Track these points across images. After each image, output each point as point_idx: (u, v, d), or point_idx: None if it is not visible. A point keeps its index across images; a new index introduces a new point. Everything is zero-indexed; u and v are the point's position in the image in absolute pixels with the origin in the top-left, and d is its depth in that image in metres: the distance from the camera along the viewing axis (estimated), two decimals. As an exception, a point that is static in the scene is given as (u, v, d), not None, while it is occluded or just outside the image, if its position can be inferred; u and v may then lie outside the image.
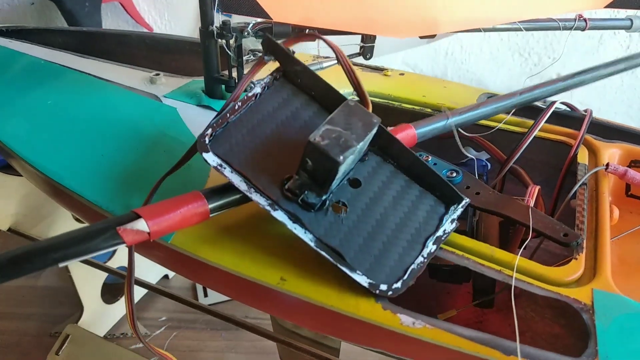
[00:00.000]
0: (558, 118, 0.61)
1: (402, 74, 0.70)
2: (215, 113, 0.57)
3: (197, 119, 0.55)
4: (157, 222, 0.34)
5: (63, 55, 0.69)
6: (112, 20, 1.32)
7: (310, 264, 0.39)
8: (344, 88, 0.63)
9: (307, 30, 0.55)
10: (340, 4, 0.55)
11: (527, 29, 0.61)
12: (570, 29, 0.62)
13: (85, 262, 0.73)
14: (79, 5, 1.17)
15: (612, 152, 0.55)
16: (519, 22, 0.60)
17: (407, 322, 0.35)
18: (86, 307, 0.90)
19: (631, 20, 0.62)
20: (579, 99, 1.52)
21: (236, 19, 0.56)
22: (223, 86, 0.59)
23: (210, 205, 0.37)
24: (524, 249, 0.50)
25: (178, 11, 1.33)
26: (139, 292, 0.99)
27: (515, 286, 0.38)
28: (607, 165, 0.50)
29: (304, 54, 0.73)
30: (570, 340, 0.43)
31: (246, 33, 0.54)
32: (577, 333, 0.37)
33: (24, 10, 1.33)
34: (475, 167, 0.62)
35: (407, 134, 0.48)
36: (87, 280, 0.89)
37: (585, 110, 0.61)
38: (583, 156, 0.54)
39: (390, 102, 0.62)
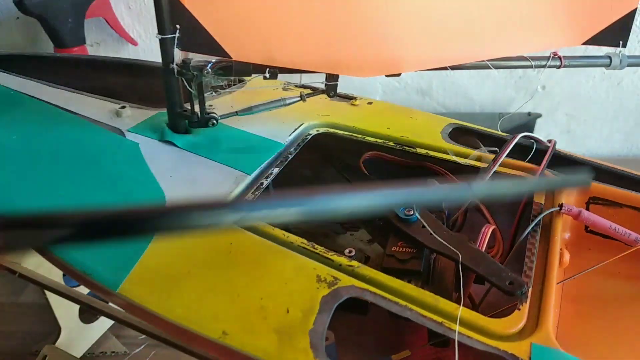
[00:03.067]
0: (523, 151, 0.61)
1: (370, 103, 0.71)
2: (176, 149, 0.57)
3: (158, 156, 0.56)
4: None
5: (31, 83, 0.69)
6: (96, 34, 1.33)
7: (253, 316, 0.39)
8: (309, 120, 0.63)
9: (268, 70, 0.55)
10: (302, 44, 0.55)
11: (496, 67, 0.61)
12: (543, 66, 0.62)
13: (59, 292, 0.74)
14: (61, 21, 1.17)
15: (569, 189, 0.55)
16: (488, 60, 0.60)
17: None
18: (63, 327, 0.91)
19: (610, 57, 0.62)
20: (566, 110, 1.52)
21: (198, 56, 0.56)
22: (187, 121, 0.59)
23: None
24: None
25: (162, 25, 1.33)
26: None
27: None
28: (561, 205, 0.51)
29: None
30: None
31: (206, 72, 0.54)
32: None
33: (9, 24, 1.33)
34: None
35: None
36: (65, 302, 0.89)
37: (550, 141, 0.61)
38: (540, 194, 0.54)
39: (354, 134, 0.63)
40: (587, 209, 0.56)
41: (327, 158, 0.64)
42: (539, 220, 0.50)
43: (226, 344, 0.38)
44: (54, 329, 0.95)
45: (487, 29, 0.59)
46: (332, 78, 0.58)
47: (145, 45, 1.35)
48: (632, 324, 0.47)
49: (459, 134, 0.66)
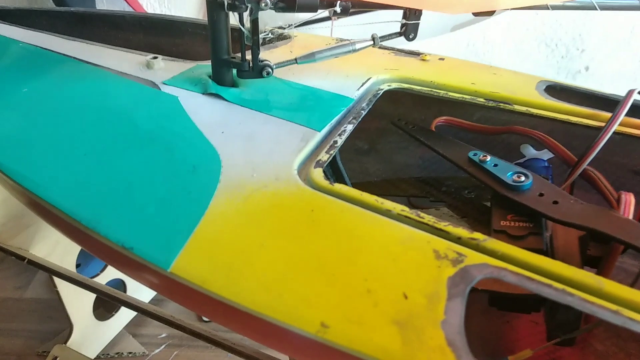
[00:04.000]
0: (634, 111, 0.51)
1: (442, 59, 0.60)
2: (225, 102, 0.47)
3: (203, 110, 0.45)
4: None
5: (47, 37, 0.59)
6: (107, 5, 1.22)
7: (358, 302, 0.29)
8: (376, 74, 0.53)
9: (339, 3, 0.45)
10: (379, -30, 0.45)
11: (602, 8, 0.50)
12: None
13: (73, 280, 0.63)
14: (71, -11, 1.07)
15: None
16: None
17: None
18: (76, 325, 0.80)
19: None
20: (609, 92, 1.42)
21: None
22: (234, 71, 0.48)
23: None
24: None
25: (179, -3, 1.23)
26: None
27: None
28: None
29: (324, 37, 0.63)
30: None
31: (264, 4, 0.43)
32: None
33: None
34: (535, 169, 0.52)
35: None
36: (77, 295, 0.78)
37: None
38: None
39: (434, 90, 0.52)
40: None
41: (394, 119, 0.53)
42: None
43: (327, 340, 0.27)
44: (64, 327, 0.85)
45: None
46: (413, 16, 0.48)
47: (160, 19, 1.24)
48: None
49: (555, 92, 0.55)
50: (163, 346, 0.90)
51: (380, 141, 0.63)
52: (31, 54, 0.55)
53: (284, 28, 0.49)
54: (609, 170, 0.49)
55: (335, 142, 0.43)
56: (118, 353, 0.88)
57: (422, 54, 0.60)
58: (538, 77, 0.57)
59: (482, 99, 0.51)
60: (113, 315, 0.87)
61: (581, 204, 0.39)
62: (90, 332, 0.84)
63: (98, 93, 0.47)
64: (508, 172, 0.43)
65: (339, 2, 0.44)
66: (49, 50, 0.55)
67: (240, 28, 0.45)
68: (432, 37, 1.25)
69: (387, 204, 0.36)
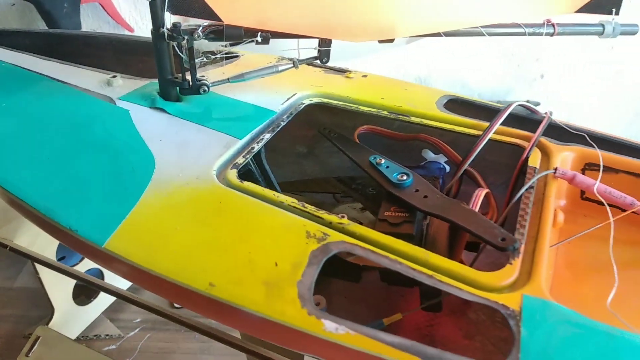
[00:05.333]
0: (519, 121, 0.61)
1: (364, 76, 0.70)
2: (168, 115, 0.57)
3: (148, 121, 0.55)
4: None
5: (26, 57, 0.69)
6: (92, 21, 1.32)
7: (241, 269, 0.39)
8: (302, 90, 0.63)
9: (260, 34, 0.55)
10: (295, 7, 0.54)
11: (490, 34, 0.60)
12: (538, 34, 0.61)
13: (51, 265, 0.73)
14: (57, 6, 1.17)
15: (565, 155, 0.54)
16: (482, 27, 0.59)
17: (330, 327, 0.35)
18: (57, 309, 0.90)
19: (603, 25, 0.62)
20: (566, 99, 1.52)
21: (189, 21, 0.56)
22: (178, 88, 0.58)
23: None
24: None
25: (159, 12, 1.33)
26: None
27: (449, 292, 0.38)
28: (556, 169, 0.50)
29: (268, 55, 0.72)
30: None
31: (197, 35, 0.53)
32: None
33: (5, 11, 1.33)
34: (432, 170, 0.62)
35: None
36: (58, 282, 0.88)
37: (547, 113, 0.61)
38: (535, 159, 0.53)
39: (348, 104, 0.62)
40: (583, 174, 0.56)
41: (320, 128, 0.63)
42: (533, 182, 0.49)
43: (213, 295, 0.37)
44: (48, 312, 0.95)
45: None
46: (324, 43, 0.58)
47: (141, 32, 1.34)
48: (625, 286, 0.46)
49: (454, 105, 0.65)
50: (137, 329, 1.00)
51: (317, 146, 0.73)
52: (11, 72, 0.65)
53: (215, 53, 0.58)
54: (488, 167, 0.59)
55: (253, 148, 0.53)
56: (96, 335, 0.98)
57: (347, 71, 0.70)
58: (443, 91, 0.67)
59: (386, 112, 0.61)
60: (92, 301, 0.97)
61: (443, 198, 0.49)
62: (71, 316, 0.93)
63: (63, 108, 0.57)
64: (394, 173, 0.53)
65: (259, 32, 0.54)
66: (26, 69, 0.65)
67: (179, 54, 0.55)
68: (392, 49, 1.35)
69: (282, 197, 0.46)
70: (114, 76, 0.62)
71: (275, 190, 0.61)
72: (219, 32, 0.54)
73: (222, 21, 0.54)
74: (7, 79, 0.63)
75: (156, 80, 0.63)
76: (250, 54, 0.73)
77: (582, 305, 0.44)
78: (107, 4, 1.27)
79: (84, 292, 0.97)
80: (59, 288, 0.90)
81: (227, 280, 0.38)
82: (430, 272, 0.39)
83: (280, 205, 0.45)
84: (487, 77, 1.46)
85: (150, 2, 0.53)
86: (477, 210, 0.47)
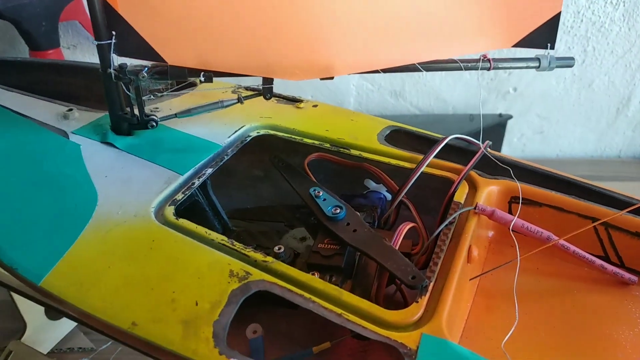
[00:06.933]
0: (460, 152, 0.63)
1: (315, 106, 0.73)
2: (116, 150, 0.60)
3: (97, 156, 0.58)
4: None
5: None
6: (72, 37, 1.35)
7: (163, 307, 0.42)
8: (251, 122, 0.66)
9: (203, 74, 0.58)
10: (235, 48, 0.57)
11: (427, 70, 0.63)
12: (474, 69, 0.64)
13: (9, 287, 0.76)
14: (35, 25, 1.19)
15: (491, 189, 0.57)
16: (419, 63, 0.62)
17: (243, 370, 0.38)
18: (29, 323, 0.93)
19: (539, 59, 0.64)
20: (538, 111, 1.54)
21: (135, 61, 0.59)
22: (128, 123, 0.61)
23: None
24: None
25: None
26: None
27: (352, 330, 0.41)
28: (476, 205, 0.53)
29: (226, 84, 0.75)
30: None
31: (142, 76, 0.56)
32: None
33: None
34: (372, 199, 0.65)
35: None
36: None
37: (485, 143, 0.63)
38: (462, 194, 0.56)
39: (293, 136, 0.65)
40: (509, 208, 0.59)
41: (271, 156, 0.66)
42: (453, 218, 0.52)
43: (134, 333, 0.40)
44: (21, 326, 0.98)
45: (418, 33, 0.61)
46: (267, 81, 0.61)
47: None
48: (540, 316, 0.49)
49: (397, 135, 0.68)
50: (110, 343, 1.02)
51: (273, 171, 0.76)
52: None
53: (162, 91, 0.61)
54: (426, 196, 0.61)
55: (194, 183, 0.56)
56: (69, 348, 1.01)
57: (299, 101, 0.73)
58: (387, 122, 0.70)
59: (328, 145, 0.64)
60: (63, 316, 1.00)
61: (369, 233, 0.52)
62: (43, 330, 0.96)
63: (16, 141, 0.60)
64: (329, 206, 0.56)
65: (202, 72, 0.57)
66: None
67: (126, 92, 0.58)
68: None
69: (213, 235, 0.49)
70: (70, 109, 0.65)
71: (222, 219, 0.64)
72: (163, 72, 0.57)
73: (166, 62, 0.57)
74: None
75: (110, 113, 0.66)
76: (207, 85, 0.75)
77: (485, 341, 0.47)
78: (86, 21, 1.30)
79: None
80: (30, 303, 0.93)
81: (149, 319, 0.41)
82: (339, 311, 0.42)
83: (210, 243, 0.48)
84: (461, 91, 1.49)
85: (97, 45, 0.56)
86: (398, 245, 0.50)
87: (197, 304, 0.42)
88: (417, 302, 0.43)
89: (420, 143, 0.67)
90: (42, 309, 0.96)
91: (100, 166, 0.56)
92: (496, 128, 1.47)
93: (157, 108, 0.66)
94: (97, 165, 0.57)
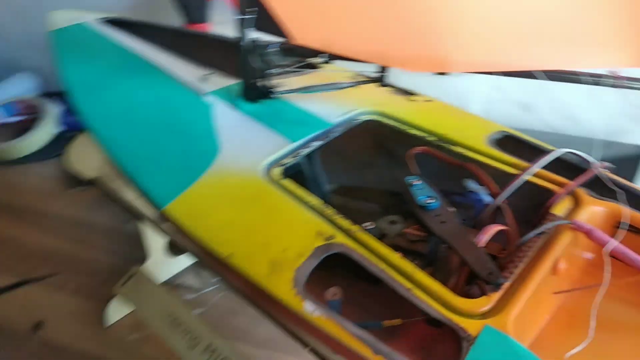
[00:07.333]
0: (571, 170, 0.61)
1: (428, 101, 0.75)
2: (240, 113, 0.67)
3: (224, 116, 0.67)
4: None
5: (145, 47, 0.83)
6: (220, 14, 1.49)
7: (257, 247, 0.48)
8: (364, 107, 0.70)
9: (323, 55, 0.63)
10: (358, 36, 0.62)
11: (550, 79, 0.61)
12: (595, 84, 0.61)
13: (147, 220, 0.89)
14: (192, 2, 1.35)
15: (596, 209, 0.55)
16: (541, 71, 0.61)
17: (308, 308, 0.43)
18: (151, 255, 1.08)
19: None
20: None
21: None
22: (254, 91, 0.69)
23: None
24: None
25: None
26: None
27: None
28: (573, 221, 0.51)
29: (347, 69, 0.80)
30: None
31: (271, 51, 0.63)
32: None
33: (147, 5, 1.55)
34: (471, 200, 0.65)
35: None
36: (154, 235, 1.06)
37: (601, 164, 0.60)
38: (564, 208, 0.55)
39: (400, 125, 0.68)
40: (614, 233, 0.55)
41: (376, 144, 0.70)
42: (545, 229, 0.51)
43: (230, 263, 0.47)
44: (144, 256, 1.13)
45: (544, 38, 0.59)
46: (382, 69, 0.64)
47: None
48: (613, 344, 0.47)
49: (508, 141, 0.67)
50: (214, 287, 1.14)
51: (377, 154, 0.79)
52: (133, 58, 0.80)
53: (286, 67, 0.68)
54: (520, 204, 0.60)
55: (302, 152, 0.61)
56: (179, 284, 1.15)
57: (413, 94, 0.75)
58: (501, 127, 0.69)
59: (432, 138, 0.66)
60: (180, 255, 1.14)
61: (458, 227, 0.53)
62: (161, 263, 1.11)
63: (162, 93, 0.71)
64: (422, 196, 0.58)
65: (324, 54, 0.63)
66: (143, 57, 0.80)
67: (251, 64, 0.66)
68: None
69: (310, 198, 0.54)
70: (210, 73, 0.75)
71: (323, 190, 0.70)
72: (290, 49, 0.64)
73: (293, 41, 0.63)
74: (128, 63, 0.78)
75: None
76: (331, 67, 0.81)
77: (554, 351, 0.46)
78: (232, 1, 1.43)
79: (175, 247, 1.14)
80: (154, 239, 1.07)
81: (244, 253, 0.48)
82: (409, 286, 0.45)
83: (306, 204, 0.53)
84: (600, 115, 1.38)
85: (236, 21, 0.64)
86: (483, 242, 0.51)
87: (284, 251, 0.48)
88: (489, 296, 0.44)
89: (532, 152, 0.65)
90: (163, 244, 1.11)
91: (225, 124, 0.65)
92: (633, 159, 1.34)
93: (280, 83, 0.73)
94: (223, 123, 0.65)
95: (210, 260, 0.51)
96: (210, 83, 0.74)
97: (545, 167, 0.59)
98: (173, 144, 0.61)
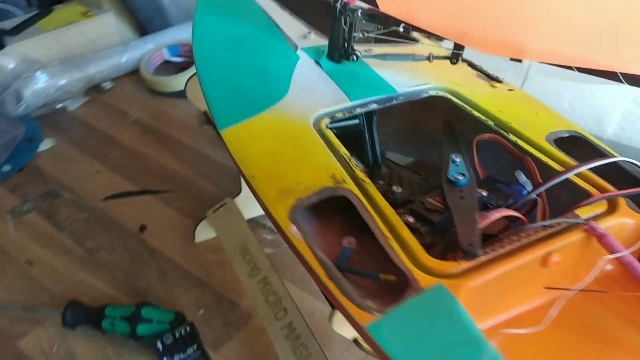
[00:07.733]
0: (631, 181, 0.57)
1: (510, 90, 0.73)
2: (320, 69, 0.74)
3: (305, 68, 0.74)
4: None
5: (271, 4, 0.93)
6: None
7: (275, 176, 0.55)
8: (437, 82, 0.71)
9: (403, 25, 0.66)
10: (438, 11, 0.64)
11: (630, 84, 0.57)
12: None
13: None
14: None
15: (628, 222, 0.51)
16: (623, 73, 0.57)
17: (292, 231, 0.49)
18: (243, 190, 1.21)
19: None
20: None
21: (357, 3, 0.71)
22: (337, 52, 0.75)
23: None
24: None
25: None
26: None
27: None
28: (587, 222, 0.49)
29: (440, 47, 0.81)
30: None
31: (357, 15, 0.68)
32: None
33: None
34: (514, 191, 0.65)
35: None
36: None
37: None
38: (592, 210, 0.52)
39: (463, 105, 0.68)
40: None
41: (437, 120, 0.71)
42: (550, 222, 0.50)
43: (252, 184, 0.55)
44: (238, 190, 1.27)
45: (630, 38, 0.56)
46: (459, 46, 0.65)
47: None
48: (578, 346, 0.45)
49: (573, 141, 0.64)
50: (274, 236, 1.23)
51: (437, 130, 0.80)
52: (258, 13, 0.90)
53: (369, 32, 0.71)
54: (557, 203, 0.58)
55: (357, 110, 0.66)
56: (263, 224, 1.27)
57: (498, 81, 0.74)
58: (574, 126, 0.66)
59: (492, 123, 0.65)
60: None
61: (471, 203, 0.54)
62: (252, 200, 1.24)
63: (264, 40, 0.79)
64: (456, 171, 0.59)
65: (402, 24, 0.66)
66: (265, 12, 0.89)
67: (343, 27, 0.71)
68: None
69: (340, 148, 0.59)
70: (309, 32, 0.83)
71: (375, 153, 0.74)
72: (374, 15, 0.68)
73: (378, 8, 0.67)
74: (243, 8, 0.88)
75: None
76: (428, 41, 0.82)
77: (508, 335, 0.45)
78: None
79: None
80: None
81: (263, 178, 0.55)
82: (388, 235, 0.48)
83: (334, 150, 0.59)
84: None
85: (332, -18, 0.70)
86: (485, 220, 0.51)
87: (297, 184, 0.54)
88: (459, 263, 0.46)
89: (594, 157, 0.62)
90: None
91: (302, 75, 0.72)
92: None
93: (365, 49, 0.77)
94: (301, 74, 0.72)
95: (242, 175, 0.59)
96: (307, 40, 0.81)
97: (605, 178, 0.56)
98: (254, 81, 0.70)
